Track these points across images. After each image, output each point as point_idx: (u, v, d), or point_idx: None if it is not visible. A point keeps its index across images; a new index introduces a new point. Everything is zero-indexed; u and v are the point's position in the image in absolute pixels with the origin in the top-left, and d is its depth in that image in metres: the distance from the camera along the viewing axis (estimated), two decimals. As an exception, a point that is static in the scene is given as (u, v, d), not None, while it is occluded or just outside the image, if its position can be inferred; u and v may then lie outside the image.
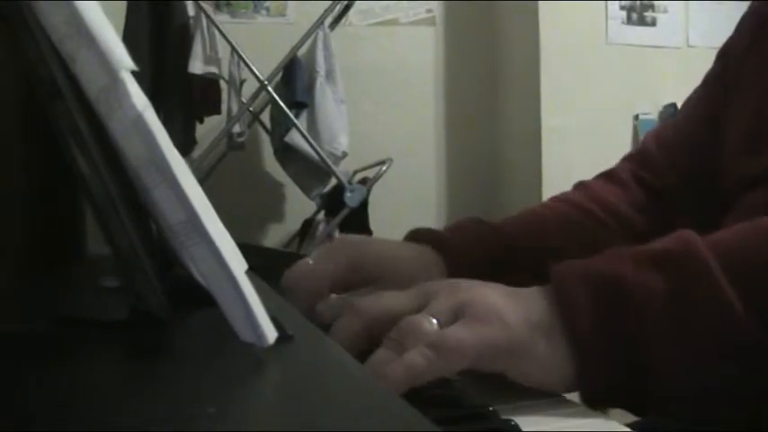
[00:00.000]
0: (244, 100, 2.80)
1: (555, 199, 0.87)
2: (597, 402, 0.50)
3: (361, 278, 0.72)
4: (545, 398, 0.51)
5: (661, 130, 0.90)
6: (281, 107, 2.70)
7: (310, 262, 0.74)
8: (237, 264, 0.39)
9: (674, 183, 0.82)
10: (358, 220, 2.80)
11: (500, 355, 0.50)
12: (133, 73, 0.39)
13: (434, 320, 0.50)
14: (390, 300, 0.54)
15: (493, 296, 0.51)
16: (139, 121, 0.38)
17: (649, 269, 0.50)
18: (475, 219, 0.80)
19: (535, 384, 0.51)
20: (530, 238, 0.79)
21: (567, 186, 0.90)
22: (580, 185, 0.88)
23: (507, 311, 0.50)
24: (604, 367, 0.49)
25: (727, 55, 0.80)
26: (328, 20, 2.85)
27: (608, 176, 0.88)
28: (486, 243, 0.76)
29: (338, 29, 3.11)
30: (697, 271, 0.49)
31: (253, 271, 0.43)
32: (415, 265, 0.73)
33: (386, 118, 3.41)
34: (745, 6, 0.80)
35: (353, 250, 0.74)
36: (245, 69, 2.74)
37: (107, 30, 0.39)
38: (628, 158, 0.89)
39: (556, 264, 0.53)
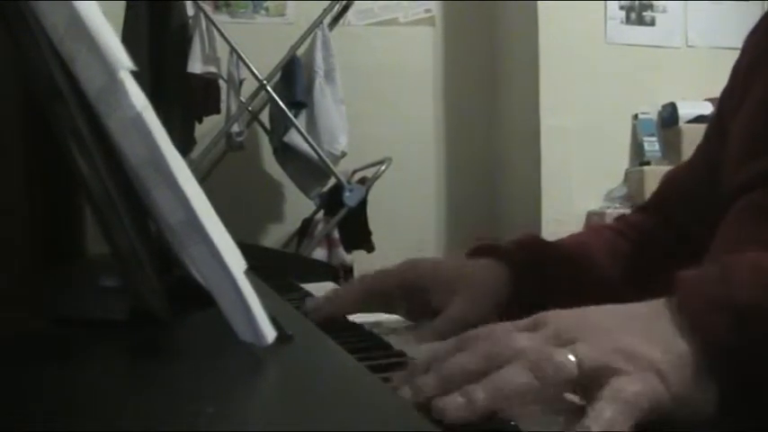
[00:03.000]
0: (243, 100, 2.80)
1: (596, 228, 0.94)
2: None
3: (425, 296, 0.75)
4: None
5: (674, 171, 0.95)
6: (280, 107, 2.70)
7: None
8: (237, 264, 0.39)
9: (682, 210, 0.88)
10: (357, 220, 2.80)
11: (661, 409, 0.46)
12: (132, 73, 0.39)
13: (573, 359, 0.45)
14: (529, 342, 0.48)
15: (642, 346, 0.47)
16: (138, 120, 0.38)
17: None
18: (532, 234, 0.85)
19: (686, 424, 0.49)
20: (576, 252, 0.84)
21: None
22: (618, 218, 0.94)
23: (664, 366, 0.46)
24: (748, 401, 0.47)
25: (723, 103, 0.83)
26: (327, 20, 2.85)
27: (640, 208, 0.94)
28: (540, 253, 0.80)
29: (337, 29, 3.11)
30: None
31: (252, 271, 0.43)
32: (482, 288, 0.75)
33: (385, 118, 3.41)
34: (744, 6, 0.80)
35: (423, 270, 0.77)
36: (245, 69, 2.75)
37: (106, 30, 0.39)
38: (653, 194, 0.95)
39: (685, 290, 0.50)
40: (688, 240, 0.82)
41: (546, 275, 0.78)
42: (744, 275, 0.50)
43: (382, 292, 0.76)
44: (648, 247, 0.87)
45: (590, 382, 0.45)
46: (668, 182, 0.95)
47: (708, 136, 0.87)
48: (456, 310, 0.72)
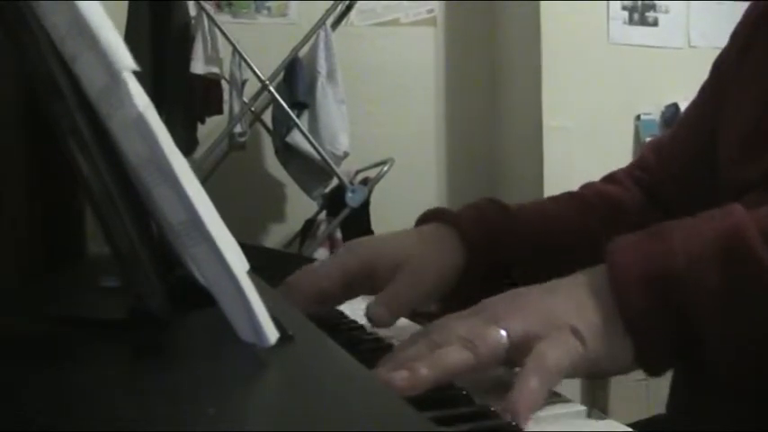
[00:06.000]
0: (245, 100, 2.79)
1: (565, 194, 0.90)
2: (656, 374, 0.55)
3: (374, 280, 0.73)
4: (546, 398, 0.51)
5: (659, 140, 0.94)
6: (282, 107, 2.70)
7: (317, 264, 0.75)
8: (239, 264, 0.39)
9: (671, 188, 0.85)
10: (359, 220, 2.80)
11: (582, 368, 0.53)
12: (134, 73, 0.39)
13: (503, 333, 0.52)
14: (464, 325, 0.54)
15: (560, 311, 0.54)
16: (140, 120, 0.38)
17: (703, 265, 0.52)
18: (487, 198, 0.83)
19: (603, 376, 0.56)
20: (536, 220, 0.82)
21: (567, 187, 0.92)
22: (585, 185, 0.91)
23: (580, 326, 0.53)
24: (660, 356, 0.53)
25: (720, 66, 0.82)
26: (330, 20, 2.85)
27: (608, 178, 0.91)
28: (494, 220, 0.78)
29: (339, 29, 3.11)
30: (748, 264, 0.51)
31: (254, 271, 0.43)
32: (429, 257, 0.73)
33: (387, 118, 3.41)
34: (746, 6, 0.80)
35: (364, 252, 0.74)
36: (247, 69, 2.74)
37: (108, 30, 0.39)
38: (628, 166, 0.93)
39: (610, 254, 0.55)
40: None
41: (499, 246, 0.76)
42: (673, 243, 0.54)
43: (329, 296, 0.74)
44: (614, 217, 0.84)
45: (520, 350, 0.51)
46: (651, 150, 0.91)
47: (702, 96, 0.84)
48: (393, 292, 0.70)
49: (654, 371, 0.55)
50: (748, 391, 0.56)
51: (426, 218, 0.78)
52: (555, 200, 0.88)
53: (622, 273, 0.53)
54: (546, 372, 0.49)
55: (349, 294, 0.76)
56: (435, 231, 0.76)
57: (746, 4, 0.80)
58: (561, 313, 0.53)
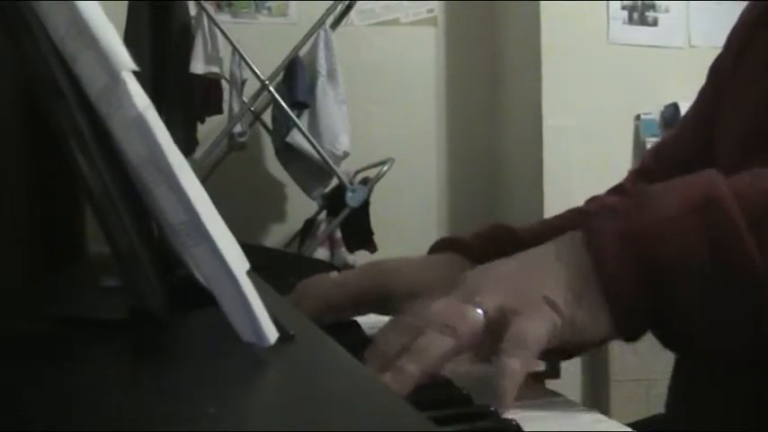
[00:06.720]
0: (245, 100, 2.80)
1: (569, 211, 0.91)
2: (634, 339, 0.55)
3: (388, 304, 0.74)
4: (546, 398, 0.52)
5: (659, 145, 0.94)
6: (282, 107, 2.70)
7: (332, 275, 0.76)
8: (239, 264, 0.39)
9: None
10: (359, 220, 2.80)
11: (561, 337, 0.52)
12: (134, 73, 0.39)
13: (479, 311, 0.51)
14: (440, 307, 0.54)
15: (534, 282, 0.53)
16: (140, 120, 0.38)
17: (678, 223, 0.52)
18: (496, 224, 0.83)
19: (580, 342, 0.55)
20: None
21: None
22: (591, 199, 0.92)
23: (554, 295, 0.52)
24: (637, 321, 0.53)
25: (717, 69, 0.82)
26: (330, 20, 2.85)
27: (613, 189, 0.92)
28: (501, 243, 0.79)
29: (339, 29, 3.11)
30: (722, 224, 0.51)
31: (254, 271, 0.43)
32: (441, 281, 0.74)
33: (387, 118, 3.41)
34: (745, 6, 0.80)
35: (381, 275, 0.76)
36: (247, 69, 2.74)
37: (108, 30, 0.39)
38: (631, 173, 0.94)
39: (585, 218, 0.56)
40: None
41: None
42: (649, 203, 0.54)
43: (339, 305, 0.74)
44: None
45: (498, 325, 0.51)
46: (652, 155, 0.92)
47: (700, 101, 0.85)
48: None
49: (629, 331, 0.54)
50: (728, 364, 0.55)
51: (439, 246, 0.80)
52: (561, 219, 0.88)
53: (597, 232, 0.53)
54: (525, 349, 0.50)
55: (357, 312, 0.77)
56: (450, 260, 0.77)
57: (746, 4, 0.80)
58: (535, 284, 0.53)
